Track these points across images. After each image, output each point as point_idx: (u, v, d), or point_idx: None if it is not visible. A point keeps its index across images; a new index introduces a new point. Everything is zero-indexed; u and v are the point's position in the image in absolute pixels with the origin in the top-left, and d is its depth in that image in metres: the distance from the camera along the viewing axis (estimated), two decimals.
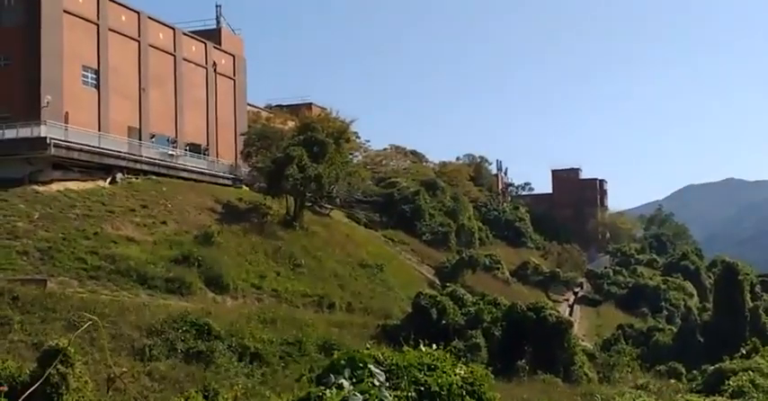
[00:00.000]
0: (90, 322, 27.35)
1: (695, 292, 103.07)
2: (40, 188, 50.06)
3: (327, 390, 7.71)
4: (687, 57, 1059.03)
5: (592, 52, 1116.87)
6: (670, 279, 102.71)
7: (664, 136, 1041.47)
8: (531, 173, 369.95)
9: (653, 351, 67.45)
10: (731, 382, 36.46)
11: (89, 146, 54.79)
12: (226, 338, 36.70)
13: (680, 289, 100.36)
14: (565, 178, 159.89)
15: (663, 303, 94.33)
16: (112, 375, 20.73)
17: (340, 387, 7.65)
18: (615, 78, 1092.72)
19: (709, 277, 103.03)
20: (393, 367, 10.97)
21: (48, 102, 53.77)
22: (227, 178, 69.17)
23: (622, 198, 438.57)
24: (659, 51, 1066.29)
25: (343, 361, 8.10)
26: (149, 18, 65.09)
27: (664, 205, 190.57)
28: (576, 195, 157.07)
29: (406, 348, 12.02)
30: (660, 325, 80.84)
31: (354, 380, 7.95)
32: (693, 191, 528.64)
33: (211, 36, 74.15)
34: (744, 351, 53.01)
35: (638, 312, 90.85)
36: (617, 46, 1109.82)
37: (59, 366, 22.79)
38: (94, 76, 59.11)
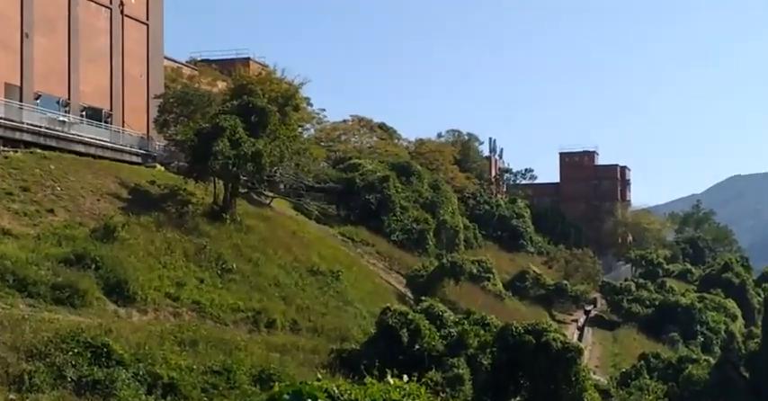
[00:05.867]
0: None
1: (739, 314, 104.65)
2: None
3: None
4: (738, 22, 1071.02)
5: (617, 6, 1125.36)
6: (708, 296, 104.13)
7: (704, 114, 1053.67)
8: (534, 157, 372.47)
9: (685, 388, 68.33)
10: None
11: None
12: (131, 364, 36.54)
13: (720, 308, 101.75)
14: (576, 164, 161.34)
15: (698, 327, 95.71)
16: None
17: None
18: (642, 39, 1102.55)
19: (758, 294, 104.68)
20: None
21: None
22: (137, 154, 68.93)
23: (650, 191, 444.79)
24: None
25: (285, 396, 8.00)
26: None
27: (702, 201, 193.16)
28: (590, 186, 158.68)
29: (368, 380, 11.97)
30: (694, 355, 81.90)
31: None
32: (740, 184, 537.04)
33: None
34: None
35: (667, 338, 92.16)
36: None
37: None
38: None
